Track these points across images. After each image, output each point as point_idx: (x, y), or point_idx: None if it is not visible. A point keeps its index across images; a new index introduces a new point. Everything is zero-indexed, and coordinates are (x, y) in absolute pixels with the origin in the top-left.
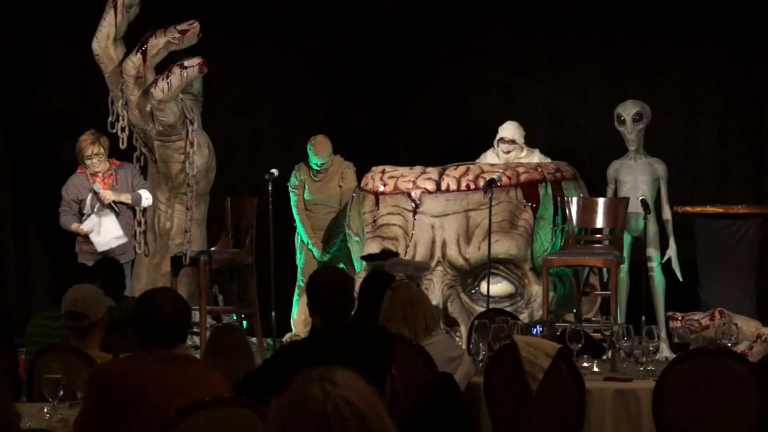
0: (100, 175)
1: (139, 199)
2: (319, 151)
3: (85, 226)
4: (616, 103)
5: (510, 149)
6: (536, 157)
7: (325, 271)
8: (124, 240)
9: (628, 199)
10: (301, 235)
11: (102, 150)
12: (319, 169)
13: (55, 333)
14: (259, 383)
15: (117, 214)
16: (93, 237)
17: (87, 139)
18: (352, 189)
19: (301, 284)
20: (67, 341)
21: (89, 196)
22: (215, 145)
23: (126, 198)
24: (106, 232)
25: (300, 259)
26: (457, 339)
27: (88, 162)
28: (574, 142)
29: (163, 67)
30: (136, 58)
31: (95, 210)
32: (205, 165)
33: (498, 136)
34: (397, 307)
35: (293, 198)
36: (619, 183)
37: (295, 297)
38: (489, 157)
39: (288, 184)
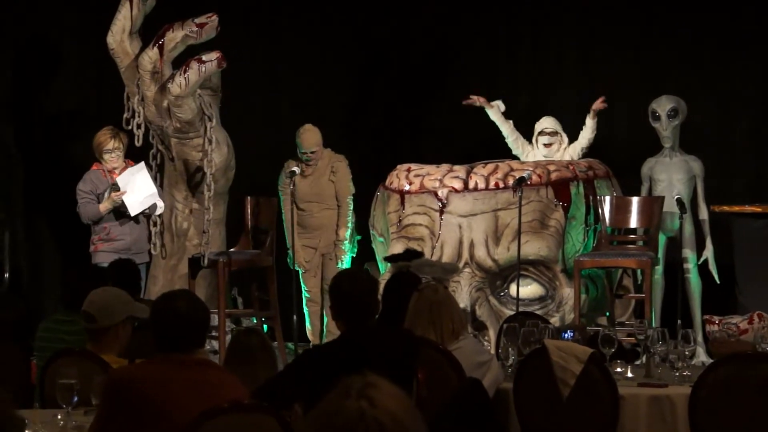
0: (116, 171)
1: (154, 208)
2: (308, 140)
3: (121, 181)
4: (650, 98)
5: (551, 141)
6: (585, 136)
7: (347, 273)
8: (156, 198)
9: (663, 198)
10: (286, 238)
11: (121, 146)
12: (309, 160)
13: (67, 337)
14: (280, 389)
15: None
16: (126, 198)
17: (107, 134)
18: (347, 183)
19: (307, 295)
20: (81, 345)
21: (107, 190)
22: (234, 143)
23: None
24: (138, 191)
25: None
26: (485, 343)
27: (106, 156)
28: (607, 139)
29: (180, 62)
30: (152, 53)
31: (131, 173)
32: (224, 163)
33: (537, 130)
34: (423, 309)
35: (281, 198)
36: (653, 181)
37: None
38: (530, 155)
39: (278, 184)
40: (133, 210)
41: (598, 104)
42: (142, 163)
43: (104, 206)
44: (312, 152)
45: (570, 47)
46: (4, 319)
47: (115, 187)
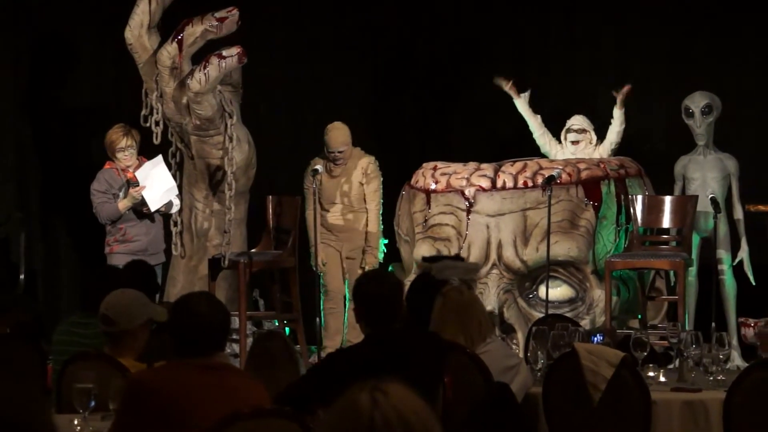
0: (130, 170)
1: (170, 206)
2: (336, 139)
3: (139, 174)
4: (683, 94)
5: (579, 138)
6: (615, 129)
7: (371, 275)
8: (174, 192)
9: (696, 197)
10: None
11: (134, 143)
12: (337, 160)
13: (85, 340)
14: (303, 393)
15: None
16: (146, 193)
17: (119, 131)
18: (378, 187)
19: (324, 297)
20: (98, 348)
21: (124, 188)
22: (255, 140)
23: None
24: (157, 185)
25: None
26: (513, 347)
27: (119, 155)
28: (639, 137)
29: (200, 57)
30: (171, 48)
31: (150, 166)
32: (245, 161)
33: (566, 127)
34: (449, 312)
35: (306, 197)
36: (687, 180)
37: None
38: (558, 153)
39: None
40: (153, 205)
41: (624, 92)
42: (160, 157)
43: (123, 204)
44: (340, 152)
45: (602, 41)
46: (19, 321)
47: (133, 184)
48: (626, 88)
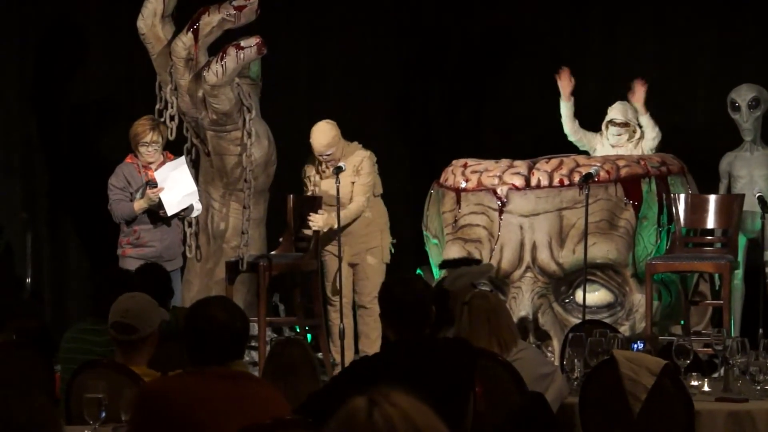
0: (153, 167)
1: (190, 210)
2: (318, 141)
3: (158, 176)
4: (729, 87)
5: (620, 132)
6: (650, 136)
7: (399, 278)
8: (195, 198)
9: (743, 195)
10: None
11: (160, 139)
12: (327, 161)
13: (96, 348)
14: (325, 404)
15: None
16: (164, 196)
17: (145, 124)
18: (368, 181)
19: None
20: (110, 356)
21: (142, 188)
22: (275, 136)
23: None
24: (176, 188)
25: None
26: (548, 354)
27: (143, 149)
28: (682, 132)
29: (217, 48)
30: (186, 38)
31: (170, 168)
32: (264, 158)
33: (606, 119)
34: (478, 319)
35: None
36: (733, 178)
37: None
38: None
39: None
40: (171, 209)
41: (639, 95)
42: (182, 158)
43: (139, 205)
44: (327, 154)
45: (643, 31)
46: (25, 327)
47: (151, 184)
48: (639, 88)
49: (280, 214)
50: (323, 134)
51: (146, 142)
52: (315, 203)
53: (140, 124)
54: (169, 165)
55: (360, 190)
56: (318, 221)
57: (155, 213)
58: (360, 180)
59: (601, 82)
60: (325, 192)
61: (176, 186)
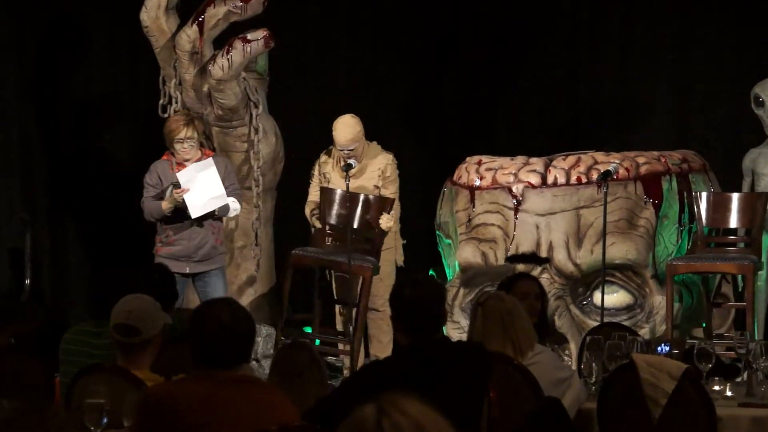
0: (189, 164)
1: (226, 210)
2: (344, 136)
3: (182, 177)
4: (753, 82)
5: None
6: None
7: (411, 279)
8: (222, 202)
9: (767, 194)
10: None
11: (195, 134)
12: (347, 158)
13: (97, 351)
14: (333, 409)
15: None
16: (187, 198)
17: (179, 120)
18: (396, 190)
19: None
20: (111, 360)
21: (170, 189)
22: (283, 132)
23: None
24: (203, 191)
25: None
26: (565, 358)
27: (177, 146)
28: (703, 128)
29: (222, 41)
30: (191, 31)
31: (197, 170)
32: (271, 155)
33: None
34: (494, 323)
35: (311, 187)
36: (756, 175)
37: None
38: None
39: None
40: (195, 212)
41: None
42: (211, 160)
43: (165, 204)
44: (350, 150)
45: (662, 24)
46: (24, 330)
47: (176, 185)
48: None
49: (288, 212)
50: (350, 128)
51: (181, 139)
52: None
53: (174, 120)
54: (195, 166)
55: (393, 199)
56: (389, 222)
57: (183, 212)
58: (390, 190)
59: (619, 75)
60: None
61: (202, 188)
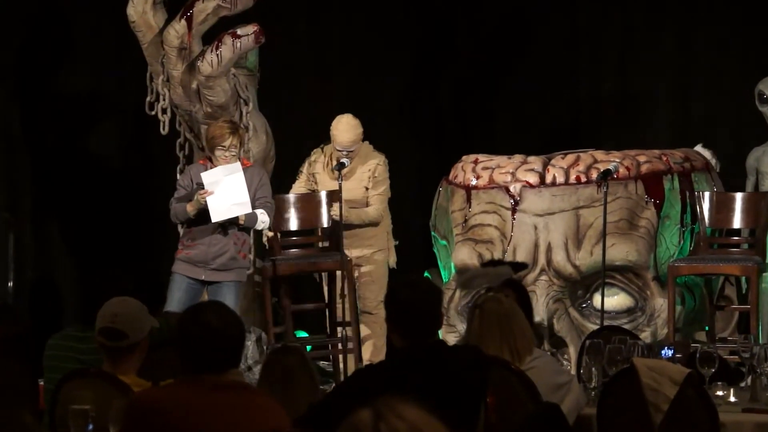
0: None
1: (253, 221)
2: (346, 137)
3: (206, 179)
4: (756, 78)
5: None
6: None
7: (406, 281)
8: (246, 210)
9: None
10: None
11: (238, 144)
12: (345, 157)
13: (82, 356)
14: (326, 415)
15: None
16: (209, 201)
17: (224, 127)
18: (385, 191)
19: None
20: (97, 365)
21: (195, 190)
22: (274, 130)
23: (239, 218)
24: (227, 196)
25: None
26: (564, 362)
27: (219, 153)
28: (706, 126)
29: (212, 37)
30: (179, 26)
31: (223, 173)
32: (262, 153)
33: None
34: (491, 326)
35: (297, 182)
36: (761, 174)
37: None
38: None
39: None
40: (216, 216)
41: None
42: (238, 164)
43: (191, 207)
44: (350, 150)
45: (665, 18)
46: (7, 334)
47: (201, 186)
48: None
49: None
50: (352, 129)
51: (224, 146)
52: (335, 195)
53: (219, 126)
54: (222, 169)
55: (379, 200)
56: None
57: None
58: (378, 189)
59: (620, 72)
60: (326, 189)
61: (227, 192)
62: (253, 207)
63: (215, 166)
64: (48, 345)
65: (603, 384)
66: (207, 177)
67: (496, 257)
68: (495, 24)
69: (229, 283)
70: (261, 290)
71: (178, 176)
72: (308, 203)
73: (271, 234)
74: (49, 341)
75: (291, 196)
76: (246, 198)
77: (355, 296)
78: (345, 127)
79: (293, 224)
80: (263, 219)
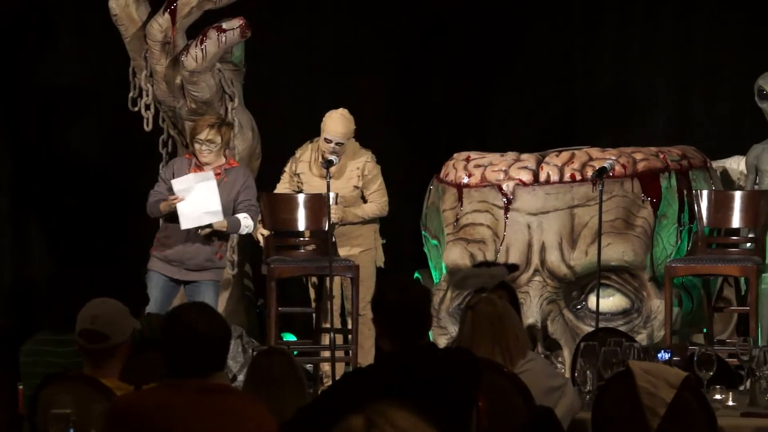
0: (209, 167)
1: (236, 226)
2: (336, 128)
3: (177, 186)
4: (757, 74)
5: None
6: None
7: (395, 282)
8: (218, 218)
9: None
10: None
11: (219, 140)
12: (332, 153)
13: (57, 360)
14: (314, 420)
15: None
16: (180, 207)
17: (205, 120)
18: (381, 185)
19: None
20: (77, 368)
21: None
22: (260, 127)
23: (220, 225)
24: (199, 203)
25: None
26: (558, 365)
27: (196, 146)
28: (705, 122)
29: (196, 31)
30: (163, 20)
31: (195, 180)
32: (248, 151)
33: None
34: (483, 328)
35: (281, 182)
36: (761, 172)
37: None
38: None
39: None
40: (185, 223)
41: None
42: (211, 173)
43: (164, 206)
44: (339, 143)
45: (661, 15)
46: None
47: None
48: None
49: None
50: (345, 121)
51: (200, 139)
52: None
53: (201, 119)
54: (194, 176)
55: (379, 194)
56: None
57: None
58: (375, 184)
59: (617, 68)
60: (313, 188)
61: (198, 200)
62: (236, 210)
63: (197, 162)
64: (22, 351)
65: (598, 387)
66: (177, 184)
67: (489, 257)
68: (487, 19)
69: (207, 282)
70: (249, 293)
71: (161, 170)
72: (312, 204)
73: (267, 233)
74: (22, 348)
75: (300, 196)
76: (217, 207)
77: (358, 300)
78: (338, 118)
79: (292, 225)
80: (247, 224)
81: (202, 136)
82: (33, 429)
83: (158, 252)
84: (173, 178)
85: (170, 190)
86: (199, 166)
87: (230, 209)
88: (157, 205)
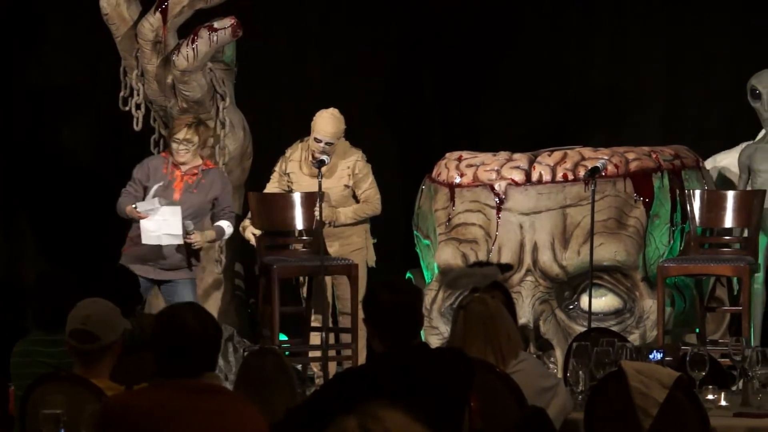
0: (184, 167)
1: (221, 234)
2: (326, 128)
3: (141, 207)
4: (749, 73)
5: None
6: None
7: (386, 282)
8: (178, 241)
9: (764, 192)
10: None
11: (195, 139)
12: (321, 152)
13: (48, 360)
14: (305, 420)
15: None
16: (144, 223)
17: (183, 119)
18: (373, 183)
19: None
20: (68, 368)
21: (156, 187)
22: (252, 126)
23: (210, 237)
24: (162, 224)
25: None
26: (551, 365)
27: (174, 146)
28: (698, 121)
29: (187, 30)
30: (154, 19)
31: (161, 203)
32: (239, 150)
33: None
34: (475, 327)
35: (271, 181)
36: (753, 172)
37: None
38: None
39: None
40: (147, 239)
41: None
42: (179, 209)
43: (129, 211)
44: (328, 143)
45: (654, 12)
46: None
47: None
48: None
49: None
50: (335, 121)
51: (177, 139)
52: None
53: (179, 118)
54: (158, 200)
55: (372, 194)
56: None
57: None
58: (366, 182)
59: (610, 67)
60: (302, 188)
61: (162, 223)
62: (216, 216)
63: (173, 161)
64: (13, 352)
65: (590, 388)
66: (143, 206)
67: (481, 257)
68: (479, 18)
69: (184, 280)
70: (239, 292)
71: (135, 170)
72: (303, 203)
73: (258, 232)
74: (14, 348)
75: (292, 195)
76: (179, 231)
77: (357, 300)
78: (329, 117)
79: (284, 224)
80: (229, 231)
81: (180, 135)
82: (24, 429)
83: (131, 251)
84: (148, 177)
85: (144, 191)
86: (176, 165)
87: (206, 210)
88: (123, 208)
